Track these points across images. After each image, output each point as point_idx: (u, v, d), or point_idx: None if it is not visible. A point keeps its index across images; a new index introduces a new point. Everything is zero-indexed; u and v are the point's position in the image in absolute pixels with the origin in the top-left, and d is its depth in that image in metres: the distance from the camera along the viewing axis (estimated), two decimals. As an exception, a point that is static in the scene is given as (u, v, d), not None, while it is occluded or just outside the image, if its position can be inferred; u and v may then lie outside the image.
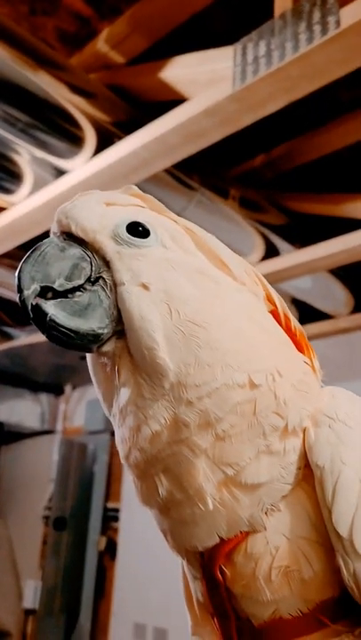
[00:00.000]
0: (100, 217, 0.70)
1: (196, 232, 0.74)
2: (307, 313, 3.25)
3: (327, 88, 1.70)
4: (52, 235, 0.72)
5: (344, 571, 0.60)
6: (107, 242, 0.69)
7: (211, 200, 2.40)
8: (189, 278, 0.67)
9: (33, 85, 1.91)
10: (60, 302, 0.65)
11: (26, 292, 0.65)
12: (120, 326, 0.66)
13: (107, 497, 4.03)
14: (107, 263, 0.69)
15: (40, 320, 0.65)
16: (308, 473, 0.65)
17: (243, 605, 0.65)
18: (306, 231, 2.79)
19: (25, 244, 2.72)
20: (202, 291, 0.67)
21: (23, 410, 4.72)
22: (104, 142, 2.04)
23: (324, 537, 0.63)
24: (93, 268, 0.68)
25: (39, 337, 3.83)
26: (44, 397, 4.83)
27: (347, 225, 2.55)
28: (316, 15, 1.48)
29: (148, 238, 0.69)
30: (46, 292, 0.66)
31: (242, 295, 0.71)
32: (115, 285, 0.67)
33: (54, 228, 0.72)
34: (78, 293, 0.67)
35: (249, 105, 1.67)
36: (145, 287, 0.66)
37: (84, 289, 0.67)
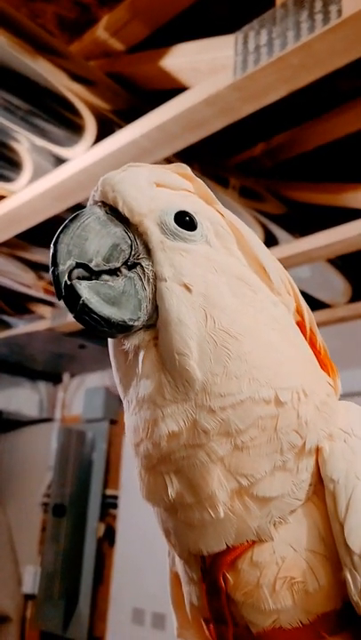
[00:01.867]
0: (150, 199, 0.67)
1: (240, 229, 0.72)
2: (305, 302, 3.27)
3: (327, 77, 1.70)
4: (91, 202, 0.70)
5: (351, 586, 0.60)
6: (153, 228, 0.66)
7: (211, 189, 2.39)
8: (230, 285, 0.66)
9: (32, 72, 1.90)
10: (94, 285, 0.63)
11: (61, 267, 0.62)
12: (152, 320, 0.65)
13: (105, 484, 4.06)
14: (147, 250, 0.66)
15: (71, 300, 0.62)
16: (319, 488, 0.65)
17: (243, 612, 0.65)
18: (305, 221, 2.79)
19: (24, 233, 2.72)
20: (240, 300, 0.66)
21: (21, 398, 4.73)
22: (104, 131, 2.03)
23: (332, 551, 0.63)
24: (133, 253, 0.66)
25: (37, 325, 3.83)
26: (43, 386, 4.85)
27: (346, 214, 2.55)
28: (318, 4, 1.47)
29: (194, 232, 0.67)
30: (81, 267, 0.63)
31: (277, 309, 0.70)
32: (155, 278, 0.65)
33: (97, 197, 0.69)
34: (113, 277, 0.64)
35: (250, 94, 1.67)
36: (187, 288, 0.64)
37: (120, 272, 0.65)
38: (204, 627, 0.71)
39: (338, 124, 2.50)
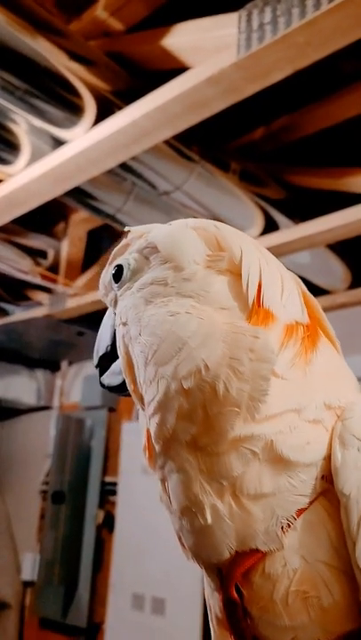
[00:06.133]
0: (102, 280, 0.79)
1: (210, 230, 0.70)
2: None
3: (329, 59, 1.67)
4: None
5: None
6: (111, 300, 0.78)
7: (211, 173, 2.37)
8: (154, 299, 0.69)
9: (31, 51, 1.86)
10: (108, 374, 0.80)
11: (94, 364, 0.82)
12: None
13: (104, 471, 4.06)
14: None
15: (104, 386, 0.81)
16: (330, 487, 0.60)
17: (260, 629, 0.61)
18: (305, 205, 2.77)
19: (22, 219, 2.69)
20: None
21: (19, 386, 4.71)
22: (104, 112, 2.00)
23: (347, 563, 0.58)
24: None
25: (35, 312, 3.81)
26: (41, 373, 4.82)
27: (347, 199, 2.53)
28: (325, -21, 1.44)
29: (123, 277, 0.74)
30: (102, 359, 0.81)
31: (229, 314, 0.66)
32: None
33: None
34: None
35: (254, 73, 1.64)
36: (124, 324, 0.71)
37: None
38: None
39: (339, 107, 2.47)
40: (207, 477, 0.60)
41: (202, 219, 0.74)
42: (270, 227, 2.65)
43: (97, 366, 0.81)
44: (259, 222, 2.61)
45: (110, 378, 0.79)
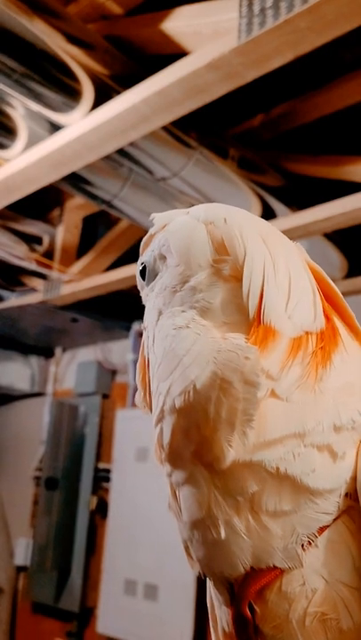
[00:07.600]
0: (137, 276, 0.75)
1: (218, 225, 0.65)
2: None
3: (330, 46, 1.65)
4: None
5: None
6: (143, 296, 0.74)
7: (209, 160, 2.35)
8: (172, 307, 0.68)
9: (28, 33, 1.83)
10: None
11: None
12: None
13: (97, 458, 4.07)
14: None
15: None
16: (354, 505, 0.57)
17: None
18: (303, 194, 2.76)
19: (17, 205, 2.66)
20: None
21: (13, 372, 4.70)
22: (102, 96, 1.97)
23: None
24: None
25: (30, 298, 3.79)
26: (34, 360, 4.81)
27: (345, 188, 2.52)
28: None
29: (147, 274, 0.72)
30: None
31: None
32: None
33: None
34: None
35: (255, 59, 1.62)
36: (145, 328, 0.70)
37: None
38: None
39: (339, 95, 2.45)
40: (222, 492, 0.56)
41: (216, 207, 0.66)
42: (268, 215, 2.64)
43: None
44: (256, 210, 2.60)
45: None
